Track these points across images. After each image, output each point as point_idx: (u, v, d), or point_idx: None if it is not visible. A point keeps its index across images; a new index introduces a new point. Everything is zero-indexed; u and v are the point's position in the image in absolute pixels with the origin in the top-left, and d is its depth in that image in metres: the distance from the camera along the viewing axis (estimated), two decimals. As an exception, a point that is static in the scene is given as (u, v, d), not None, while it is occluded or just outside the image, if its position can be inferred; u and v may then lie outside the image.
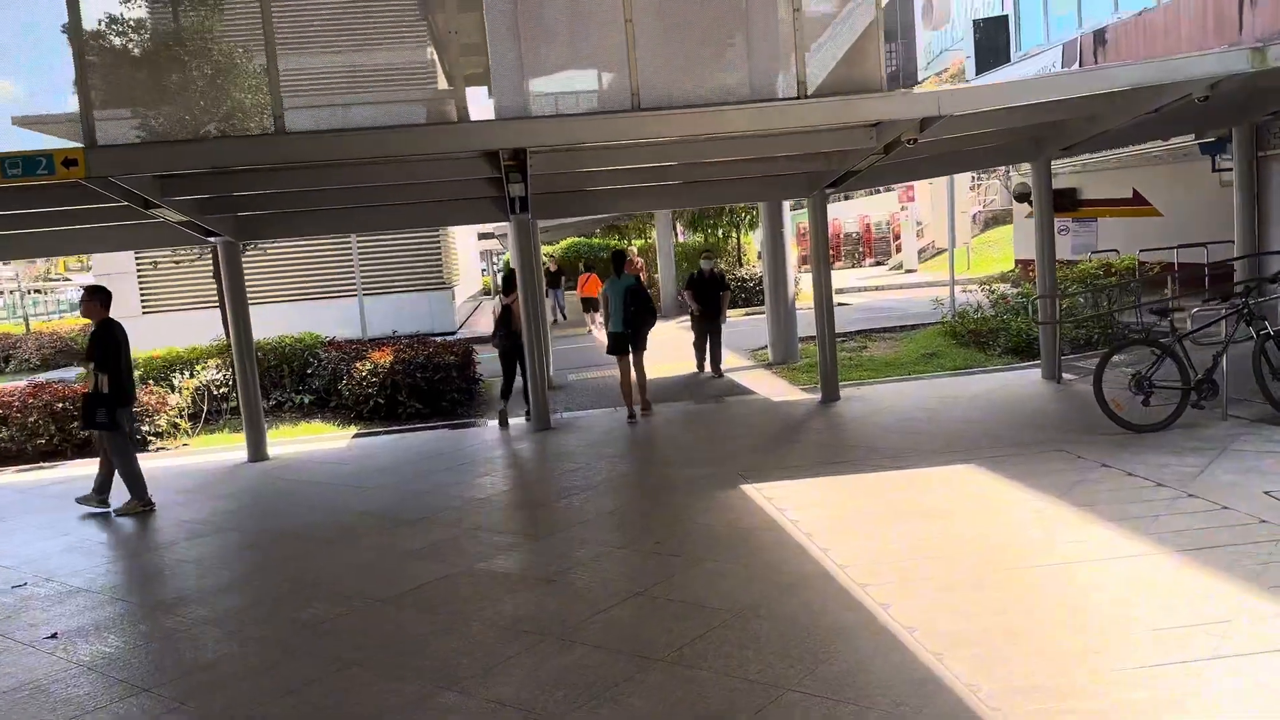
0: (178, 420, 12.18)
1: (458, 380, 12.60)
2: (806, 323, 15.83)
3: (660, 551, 6.04)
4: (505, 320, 11.22)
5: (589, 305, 21.56)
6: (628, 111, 7.52)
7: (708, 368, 14.08)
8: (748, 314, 23.33)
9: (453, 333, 23.67)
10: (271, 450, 10.86)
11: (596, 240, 48.45)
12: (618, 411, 11.72)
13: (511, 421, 11.32)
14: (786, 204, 14.39)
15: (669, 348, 17.20)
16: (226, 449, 11.37)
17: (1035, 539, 5.69)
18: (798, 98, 7.67)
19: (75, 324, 30.18)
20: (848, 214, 38.26)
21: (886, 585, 5.09)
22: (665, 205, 10.96)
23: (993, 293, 14.89)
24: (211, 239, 10.22)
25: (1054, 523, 5.96)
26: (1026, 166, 23.45)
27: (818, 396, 11.42)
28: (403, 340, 13.88)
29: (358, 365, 12.52)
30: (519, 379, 11.26)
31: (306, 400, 13.27)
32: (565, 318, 25.29)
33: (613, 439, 10.08)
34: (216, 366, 13.44)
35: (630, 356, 11.04)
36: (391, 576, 6.07)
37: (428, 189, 9.71)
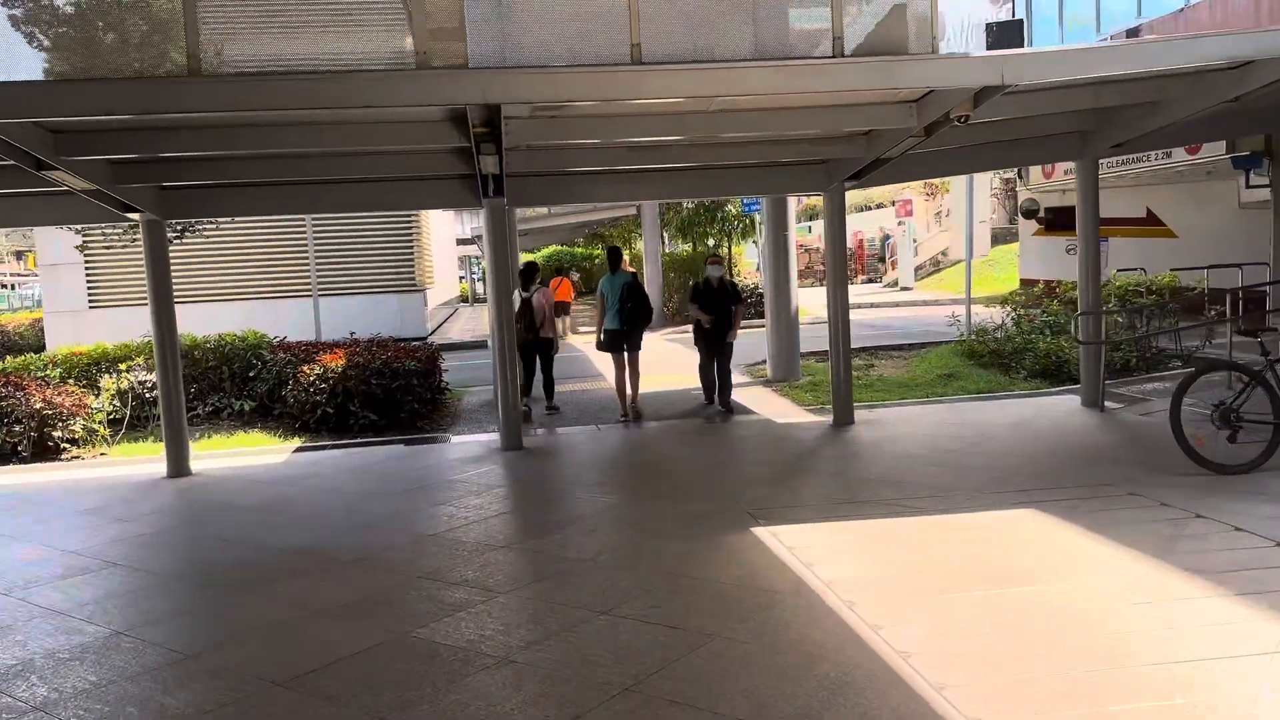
0: (97, 426, 10.63)
1: (419, 389, 11.13)
2: (804, 338, 14.50)
3: (655, 619, 4.61)
4: (526, 313, 11.08)
5: (560, 310, 20.04)
6: (625, 66, 6.13)
7: (716, 399, 11.13)
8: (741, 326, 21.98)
9: (424, 338, 22.15)
10: (198, 464, 9.36)
11: (580, 249, 47.12)
12: (600, 430, 10.29)
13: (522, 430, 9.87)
14: (792, 206, 13.03)
15: (662, 361, 15.79)
16: (149, 460, 9.82)
17: (1154, 620, 4.30)
18: (833, 56, 6.31)
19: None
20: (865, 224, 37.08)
21: (974, 691, 3.68)
22: (661, 194, 9.60)
23: (1014, 310, 13.58)
24: (131, 215, 8.72)
25: (1167, 596, 4.57)
26: (1037, 178, 22.36)
27: (827, 419, 10.05)
28: (360, 343, 12.39)
29: (304, 369, 11.03)
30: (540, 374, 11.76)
31: (247, 407, 11.75)
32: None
33: (596, 462, 8.64)
34: (148, 366, 11.91)
35: (625, 354, 10.90)
36: (303, 644, 4.60)
37: (386, 163, 8.26)
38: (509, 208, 9.40)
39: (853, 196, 44.01)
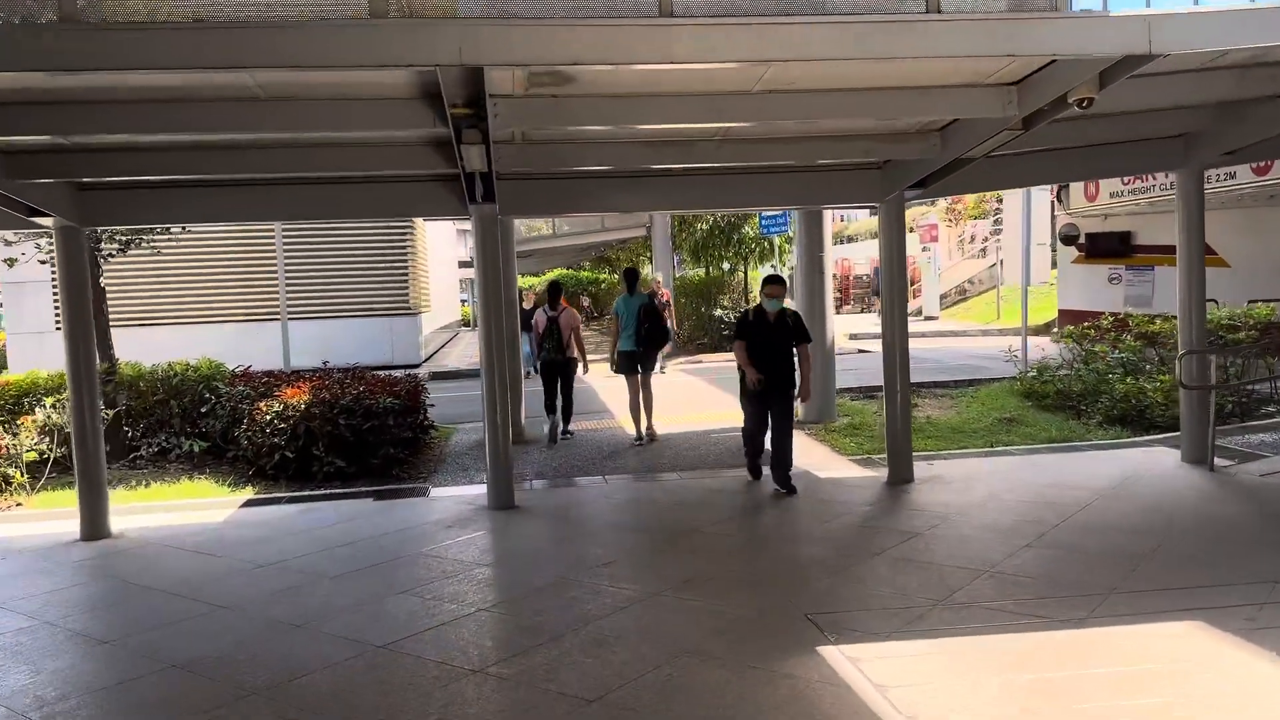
0: (10, 471, 8.99)
1: (396, 429, 9.48)
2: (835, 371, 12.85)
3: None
4: (554, 333, 10.78)
5: None
6: (651, 18, 4.55)
7: (771, 475, 7.96)
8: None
9: (417, 365, 20.57)
10: (123, 522, 7.75)
11: (586, 273, 45.62)
12: (609, 482, 8.65)
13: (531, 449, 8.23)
14: (829, 223, 11.43)
15: (677, 397, 14.16)
16: (68, 516, 8.17)
17: None
18: (927, 11, 4.72)
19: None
20: (858, 255, 35.51)
21: None
22: (684, 203, 8.03)
23: (1079, 344, 11.93)
24: (40, 221, 7.15)
25: None
26: (1078, 201, 20.76)
27: (879, 474, 8.42)
28: (331, 374, 10.77)
29: (261, 406, 9.41)
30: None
31: (197, 448, 10.11)
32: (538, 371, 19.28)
33: (604, 531, 6.98)
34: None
35: (640, 376, 10.64)
36: None
37: (349, 157, 6.66)
38: (502, 217, 7.80)
39: (867, 222, 42.29)
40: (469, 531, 7.07)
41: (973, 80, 5.88)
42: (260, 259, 19.57)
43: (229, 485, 9.20)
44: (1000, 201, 33.15)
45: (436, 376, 19.54)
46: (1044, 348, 20.03)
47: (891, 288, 8.13)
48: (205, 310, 19.86)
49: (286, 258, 19.07)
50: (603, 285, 36.59)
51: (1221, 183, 16.76)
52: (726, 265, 23.21)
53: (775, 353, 7.71)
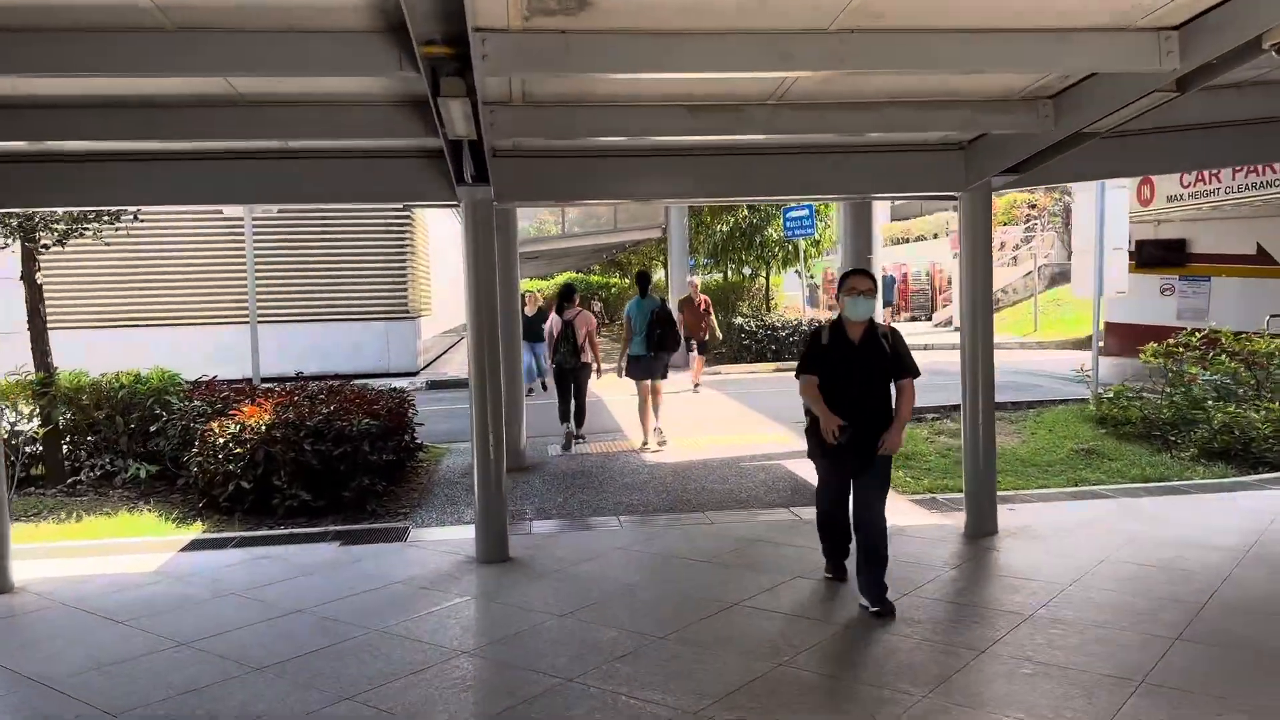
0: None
1: (374, 455, 8.03)
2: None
3: None
4: (569, 337, 10.50)
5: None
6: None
7: (859, 583, 5.28)
8: (777, 369, 18.87)
9: (414, 373, 19.17)
10: (33, 569, 6.36)
11: (596, 277, 44.19)
12: (624, 525, 7.19)
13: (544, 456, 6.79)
14: (879, 218, 9.96)
15: (698, 415, 12.72)
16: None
17: None
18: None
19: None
20: (887, 259, 33.99)
21: None
22: (722, 190, 6.48)
23: (1166, 365, 10.43)
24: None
25: None
26: (1131, 205, 19.23)
27: (953, 523, 6.96)
28: (305, 386, 9.37)
29: (213, 426, 7.97)
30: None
31: (144, 473, 8.69)
32: (546, 388, 15.53)
33: (618, 601, 5.51)
34: (34, 410, 8.93)
35: (651, 382, 10.45)
36: None
37: (310, 124, 5.21)
38: (500, 205, 6.36)
39: (890, 228, 40.96)
40: (449, 597, 5.61)
41: (1118, 21, 4.41)
42: (233, 253, 18.17)
43: (175, 520, 7.78)
44: (1032, 208, 31.64)
45: (435, 385, 18.13)
46: (1084, 364, 18.55)
47: (975, 293, 6.67)
48: (168, 312, 18.33)
49: (261, 252, 17.62)
50: (614, 290, 35.15)
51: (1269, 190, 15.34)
52: (747, 270, 21.75)
53: (864, 388, 5.06)
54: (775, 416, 12.42)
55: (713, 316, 15.49)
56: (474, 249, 6.09)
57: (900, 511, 7.48)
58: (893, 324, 27.54)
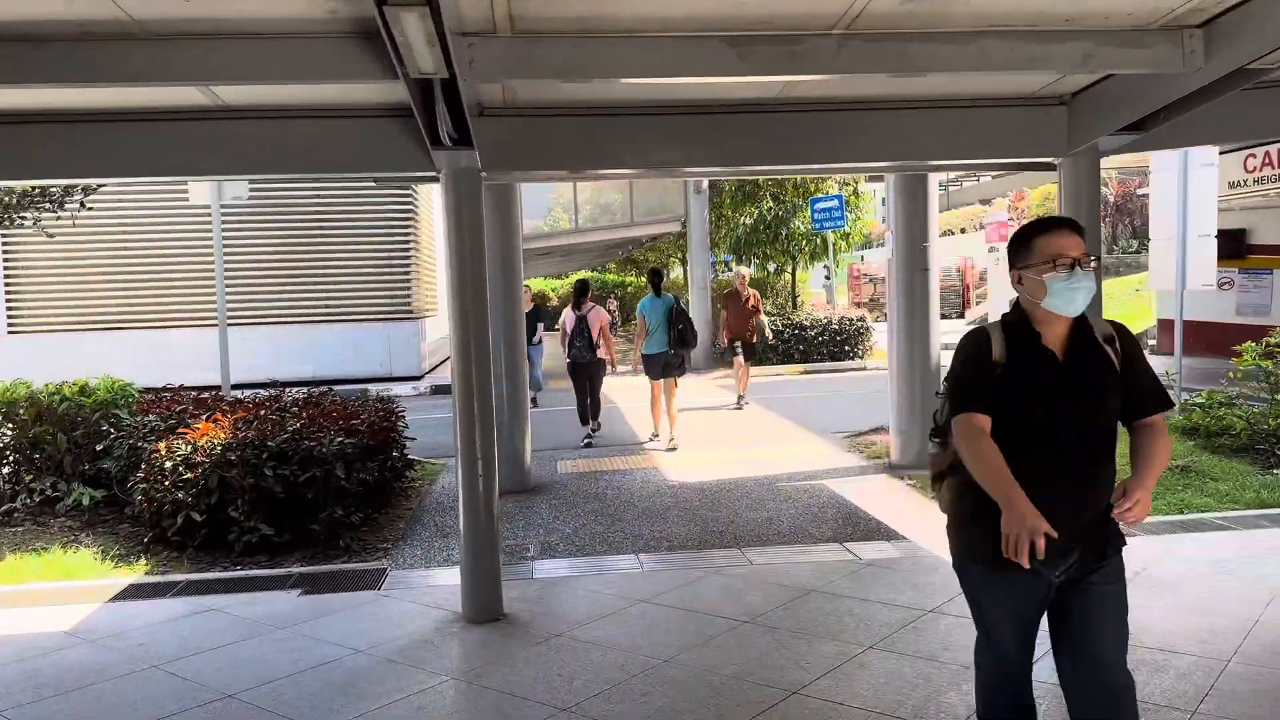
0: None
1: (347, 482, 6.81)
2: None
3: None
4: (583, 332, 10.53)
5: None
6: None
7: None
8: (805, 371, 17.59)
9: (418, 377, 18.00)
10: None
11: (611, 275, 42.96)
12: (645, 567, 5.95)
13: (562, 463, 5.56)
14: (934, 199, 8.68)
15: (723, 421, 11.47)
16: None
17: None
18: None
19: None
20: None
21: None
22: (764, 157, 5.18)
23: (1268, 369, 9.09)
24: None
25: None
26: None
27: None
28: (279, 398, 8.20)
29: (160, 448, 6.78)
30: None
31: (86, 499, 7.51)
32: (537, 403, 12.76)
33: (641, 681, 4.26)
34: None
35: (664, 382, 10.25)
36: None
37: (228, 59, 3.97)
38: (489, 177, 5.13)
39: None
40: (422, 676, 4.39)
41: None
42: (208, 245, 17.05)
43: (115, 557, 6.59)
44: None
45: (440, 390, 16.94)
46: (1168, 369, 17.19)
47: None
48: (150, 313, 17.21)
49: (245, 247, 16.54)
50: (629, 290, 33.93)
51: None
52: (772, 265, 20.46)
53: (1085, 440, 2.68)
54: (809, 425, 11.16)
55: (763, 315, 13.40)
56: (457, 231, 4.87)
57: (978, 548, 6.20)
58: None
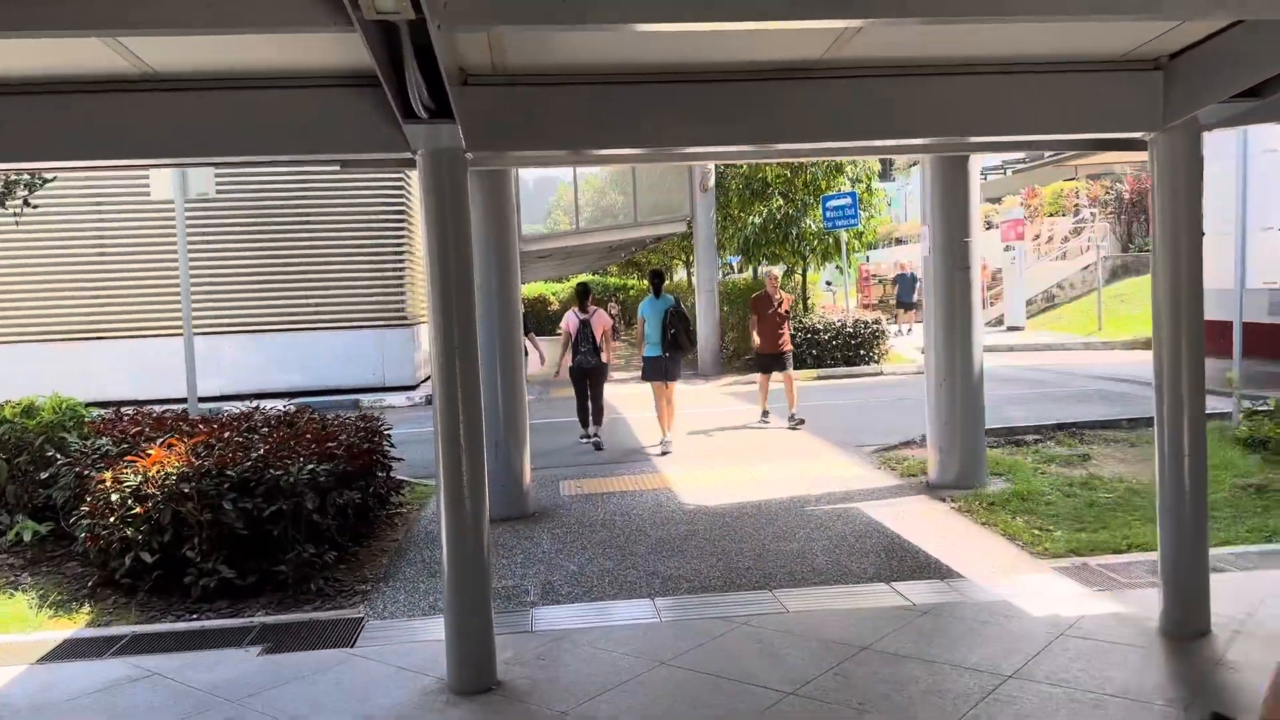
0: None
1: (318, 516, 5.97)
2: (903, 401, 9.23)
3: None
4: (587, 336, 10.36)
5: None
6: None
7: None
8: (820, 377, 16.73)
9: (413, 386, 17.16)
10: None
11: (614, 278, 42.14)
12: (662, 617, 5.11)
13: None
14: (975, 185, 7.85)
15: (731, 435, 10.61)
16: None
17: None
18: None
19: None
20: (914, 257, 31.76)
21: None
22: (796, 133, 4.46)
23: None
24: None
25: None
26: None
27: (1134, 608, 4.86)
28: (249, 415, 7.38)
29: (105, 478, 5.93)
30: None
31: (28, 535, 6.66)
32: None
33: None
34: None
35: (664, 383, 10.25)
36: None
37: (163, 5, 3.16)
38: (475, 160, 4.30)
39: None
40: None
41: None
42: (197, 251, 16.19)
43: (55, 604, 5.76)
44: (1090, 196, 29.33)
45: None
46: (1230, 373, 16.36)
47: (1176, 276, 4.52)
48: (125, 322, 16.36)
49: (227, 249, 15.71)
50: (632, 292, 33.13)
51: None
52: (782, 266, 19.61)
53: None
54: (832, 438, 10.32)
55: (789, 319, 11.88)
56: (438, 222, 4.04)
57: (1042, 586, 5.37)
58: (911, 326, 23.16)
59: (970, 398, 7.79)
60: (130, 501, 5.77)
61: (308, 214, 16.41)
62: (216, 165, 7.50)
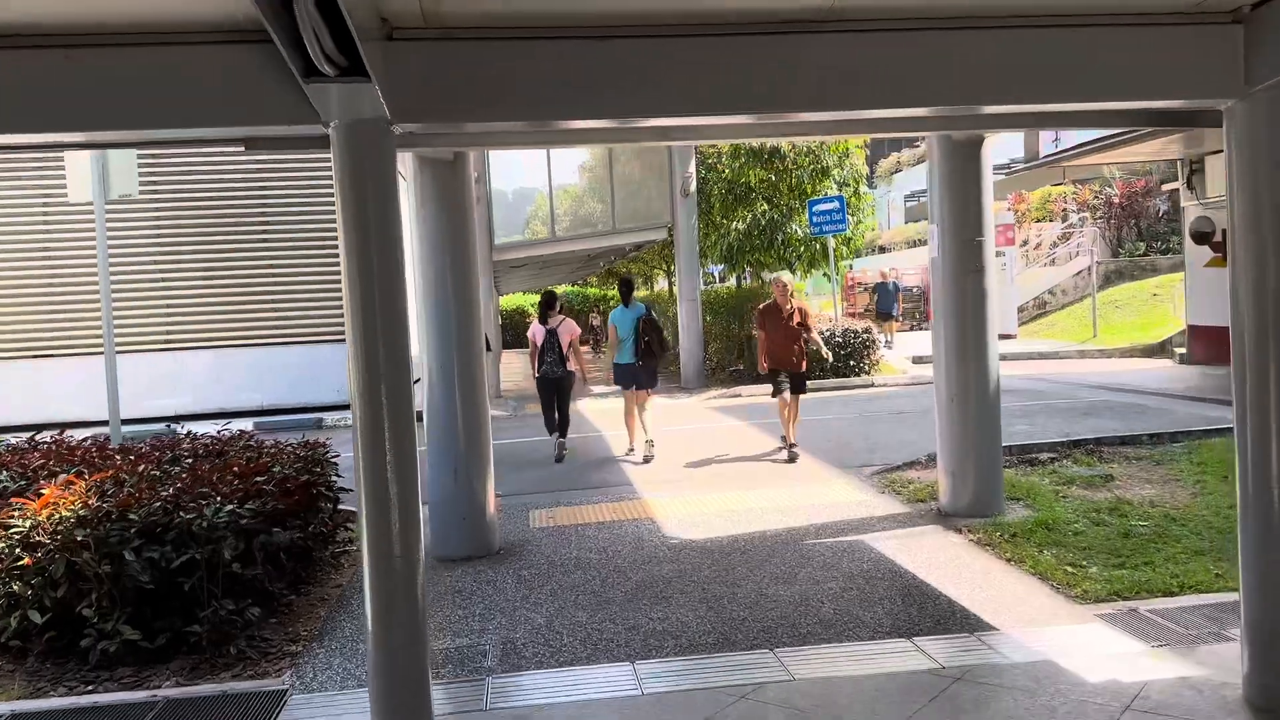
0: None
1: (240, 564, 5.09)
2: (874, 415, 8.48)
3: None
4: (554, 346, 10.19)
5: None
6: None
7: None
8: (809, 389, 15.91)
9: (380, 405, 16.20)
10: None
11: (594, 289, 41.33)
12: (645, 690, 4.25)
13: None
14: (989, 178, 7.09)
15: (721, 452, 9.77)
16: None
17: None
18: None
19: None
20: (899, 264, 31.16)
21: None
22: (794, 101, 3.75)
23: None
24: None
25: None
26: (1218, 188, 16.40)
27: (1204, 670, 4.07)
28: (166, 443, 6.50)
29: (-15, 524, 5.05)
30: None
31: (-92, 589, 5.75)
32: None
33: None
34: None
35: (637, 391, 10.19)
36: None
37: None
38: (408, 139, 3.50)
39: (904, 229, 37.56)
40: None
41: None
42: (137, 260, 15.24)
43: (-75, 674, 4.86)
44: (1079, 201, 28.79)
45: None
46: (1169, 372, 15.71)
47: (1263, 268, 3.74)
48: (59, 337, 15.36)
49: (175, 257, 14.78)
50: (611, 303, 32.30)
51: None
52: (768, 272, 18.85)
53: None
54: (828, 458, 9.52)
55: (816, 332, 10.12)
56: (355, 207, 3.22)
57: (1089, 640, 4.57)
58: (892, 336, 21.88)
59: (985, 416, 7.02)
60: (18, 551, 4.89)
61: (267, 220, 15.48)
62: (65, 147, 6.58)
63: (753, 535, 6.77)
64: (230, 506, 5.09)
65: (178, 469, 5.91)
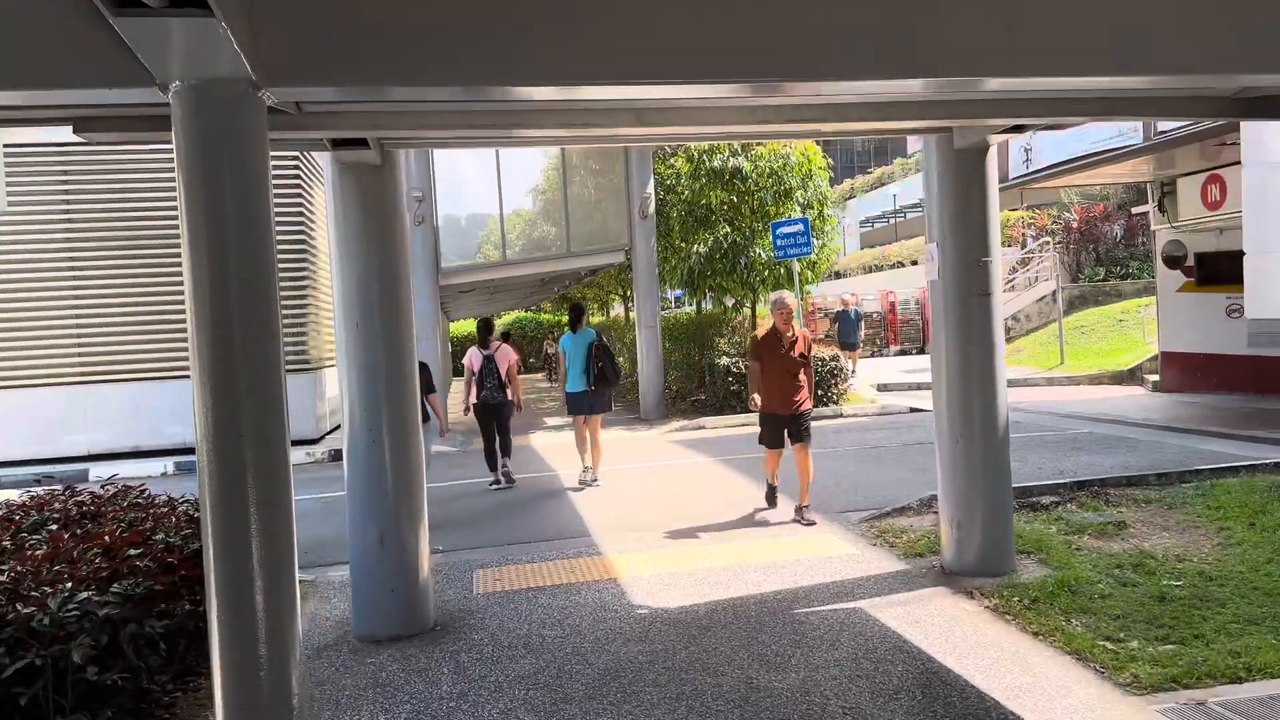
0: None
1: (95, 669, 4.02)
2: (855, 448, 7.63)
3: None
4: (492, 373, 9.96)
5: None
6: None
7: None
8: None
9: (315, 440, 15.13)
10: None
11: (546, 315, 40.31)
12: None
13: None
14: (994, 189, 6.27)
15: (685, 494, 8.79)
16: None
17: None
18: None
19: None
20: (857, 290, 30.63)
21: None
22: (782, 71, 2.98)
23: None
24: None
25: None
26: (1190, 211, 15.93)
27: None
28: (49, 499, 5.42)
29: None
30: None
31: None
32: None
33: None
34: None
35: (588, 418, 10.05)
36: None
37: None
38: (300, 121, 2.55)
39: (861, 256, 37.15)
40: None
41: None
42: (58, 285, 13.99)
43: None
44: (1038, 226, 28.52)
45: (340, 457, 14.08)
46: (1141, 399, 15.15)
47: None
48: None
49: (90, 283, 13.69)
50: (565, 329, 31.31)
51: None
52: (730, 300, 18.05)
53: None
54: (816, 503, 8.60)
55: (810, 353, 8.12)
56: (205, 189, 2.25)
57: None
58: (855, 365, 20.70)
59: (994, 460, 6.16)
60: None
61: (172, 240, 14.32)
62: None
63: (733, 601, 5.83)
64: (86, 594, 4.03)
65: (37, 538, 4.83)
